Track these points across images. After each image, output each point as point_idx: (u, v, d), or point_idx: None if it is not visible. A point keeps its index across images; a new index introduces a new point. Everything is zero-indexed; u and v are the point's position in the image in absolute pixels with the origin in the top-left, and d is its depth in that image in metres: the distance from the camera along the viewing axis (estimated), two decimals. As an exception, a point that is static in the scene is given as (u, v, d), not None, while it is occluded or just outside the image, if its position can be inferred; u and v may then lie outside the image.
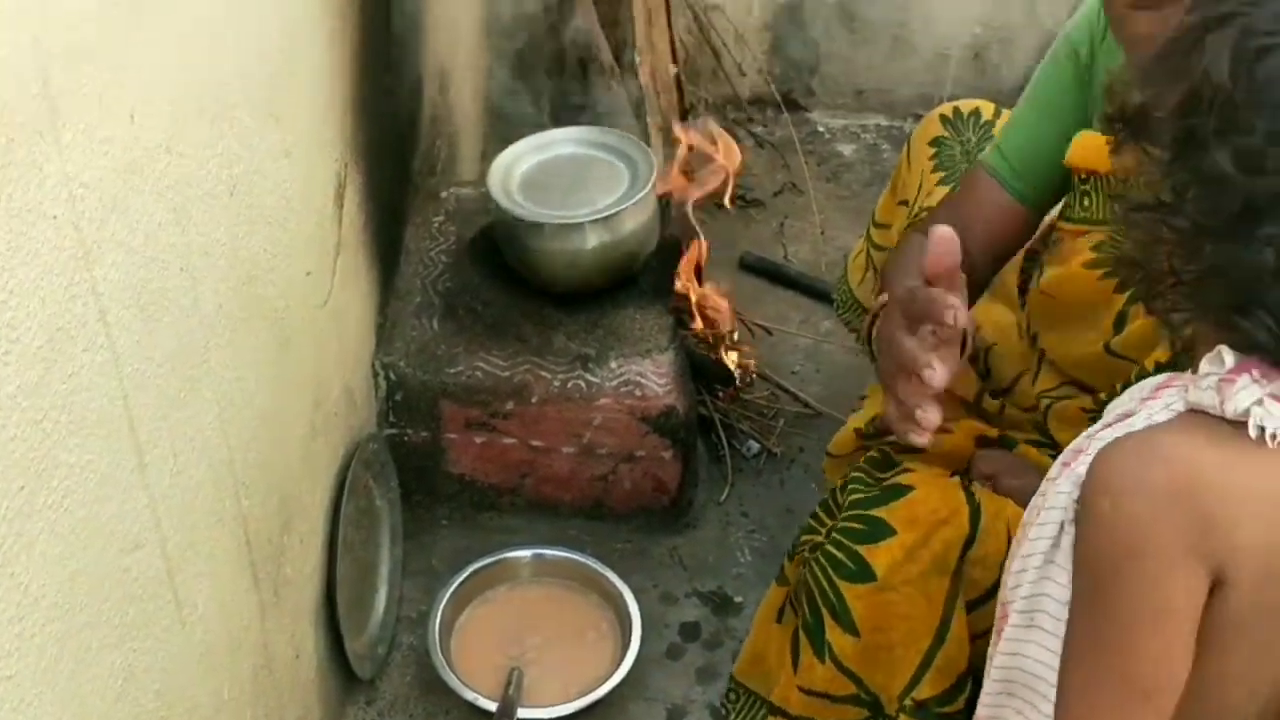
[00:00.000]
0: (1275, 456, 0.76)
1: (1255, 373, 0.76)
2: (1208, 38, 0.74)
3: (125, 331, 0.84)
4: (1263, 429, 0.75)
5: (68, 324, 0.77)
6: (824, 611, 1.11)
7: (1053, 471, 0.89)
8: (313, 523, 1.33)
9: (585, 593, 1.58)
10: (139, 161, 0.85)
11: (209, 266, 0.99)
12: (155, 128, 0.87)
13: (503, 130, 2.25)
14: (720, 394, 1.89)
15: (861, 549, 1.09)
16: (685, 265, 1.78)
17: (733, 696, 1.31)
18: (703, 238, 1.82)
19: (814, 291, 2.19)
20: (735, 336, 1.92)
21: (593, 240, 1.63)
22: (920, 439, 1.03)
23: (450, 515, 1.71)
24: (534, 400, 1.62)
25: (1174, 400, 0.80)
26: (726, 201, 1.85)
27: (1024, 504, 0.92)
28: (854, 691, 1.13)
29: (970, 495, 1.10)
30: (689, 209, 1.87)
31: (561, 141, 1.75)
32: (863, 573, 1.09)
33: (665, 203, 1.79)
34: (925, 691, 1.11)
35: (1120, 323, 1.12)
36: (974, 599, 1.10)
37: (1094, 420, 0.92)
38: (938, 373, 1.01)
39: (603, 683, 1.46)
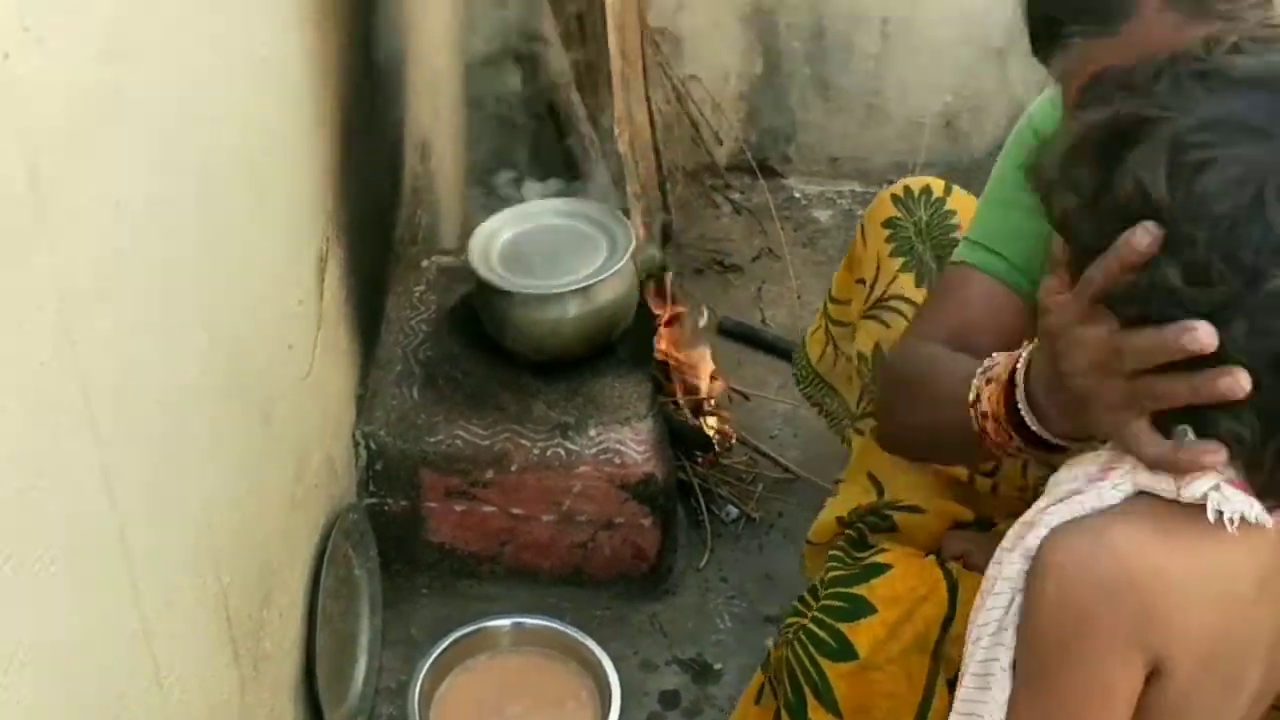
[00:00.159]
0: (1219, 542, 0.77)
1: None
2: (1134, 153, 0.75)
3: (108, 412, 0.86)
4: (1220, 513, 0.76)
5: (52, 405, 0.78)
6: (806, 691, 1.11)
7: (1007, 542, 0.90)
8: (292, 595, 1.33)
9: (565, 661, 1.58)
10: (124, 246, 0.87)
11: (191, 345, 1.00)
12: (140, 212, 0.89)
13: (483, 198, 2.29)
14: (699, 459, 1.91)
15: (843, 626, 1.09)
16: (664, 333, 1.81)
17: None
18: (682, 306, 1.85)
19: (792, 356, 2.21)
20: (713, 402, 1.94)
21: (572, 310, 1.65)
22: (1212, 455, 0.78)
23: (430, 584, 1.71)
24: (514, 468, 1.63)
25: (1122, 482, 0.81)
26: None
27: None
28: (836, 771, 1.13)
29: (948, 573, 1.11)
30: (667, 280, 1.90)
31: (540, 213, 1.78)
32: (845, 651, 1.09)
33: (645, 271, 1.81)
34: (907, 770, 1.11)
35: None
36: (953, 677, 1.11)
37: None
38: (1200, 329, 0.73)
39: (583, 753, 1.46)
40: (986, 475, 1.24)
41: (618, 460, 1.63)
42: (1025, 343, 0.95)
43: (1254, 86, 0.75)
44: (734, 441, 1.96)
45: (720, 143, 2.63)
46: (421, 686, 1.51)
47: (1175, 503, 0.78)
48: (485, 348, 1.72)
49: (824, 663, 1.10)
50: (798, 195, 2.68)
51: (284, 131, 1.24)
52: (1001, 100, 2.55)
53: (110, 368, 0.85)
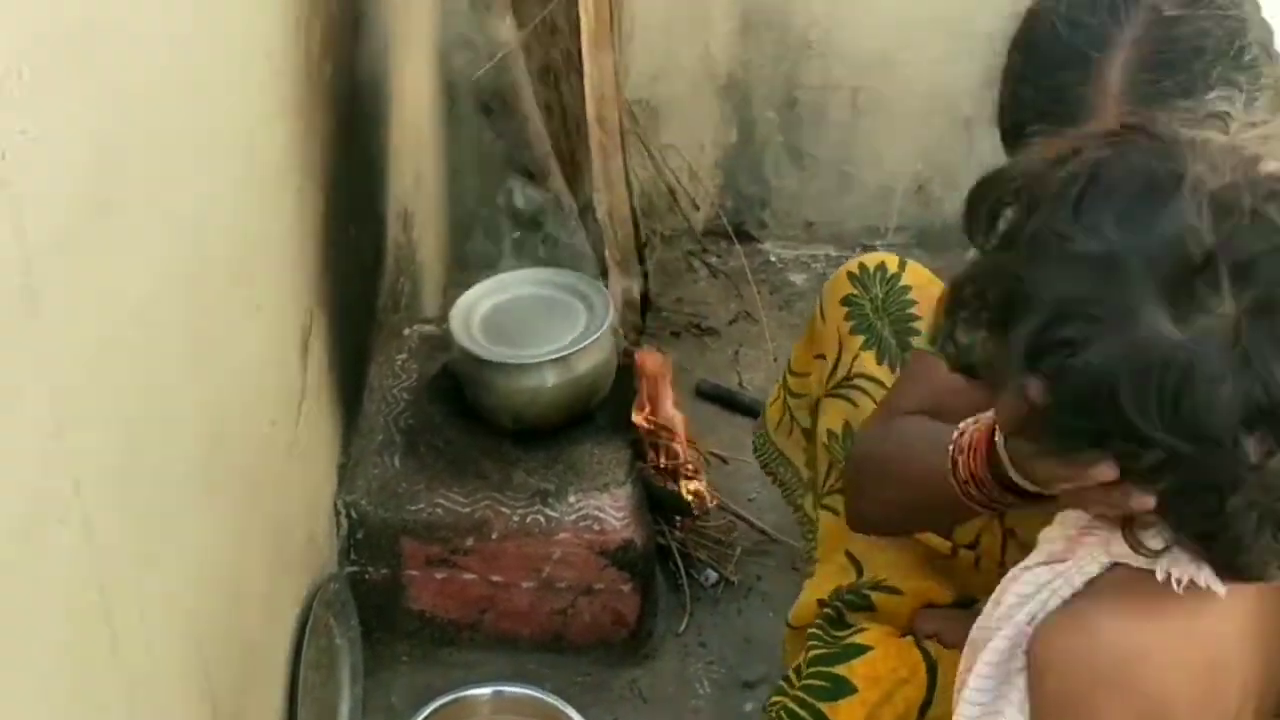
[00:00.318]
0: (1199, 606, 0.81)
1: None
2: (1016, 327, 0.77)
3: (97, 499, 0.88)
4: (1169, 574, 0.80)
5: (43, 495, 0.80)
6: None
7: (995, 594, 0.94)
8: (274, 668, 1.35)
9: (546, 728, 1.59)
10: (113, 336, 0.89)
11: (178, 429, 1.03)
12: (129, 303, 0.92)
13: (464, 265, 2.32)
14: (678, 524, 1.93)
15: (824, 706, 1.10)
16: (642, 400, 1.84)
17: None
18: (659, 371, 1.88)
19: (765, 420, 2.24)
20: (691, 467, 1.96)
21: (551, 379, 1.68)
22: None
23: (410, 652, 1.72)
24: (494, 536, 1.65)
25: (1098, 553, 0.85)
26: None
27: None
28: None
29: (926, 653, 1.13)
30: (646, 346, 1.93)
31: (520, 282, 1.81)
32: None
33: (622, 339, 1.85)
34: None
35: None
36: None
37: None
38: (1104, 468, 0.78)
39: (563, 822, 1.46)
40: (969, 548, 1.26)
41: (597, 527, 1.66)
42: None
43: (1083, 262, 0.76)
44: (712, 505, 1.98)
45: (697, 208, 2.68)
46: (402, 756, 1.51)
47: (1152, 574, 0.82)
48: (466, 415, 1.75)
49: None
50: (773, 259, 2.73)
51: (270, 217, 1.27)
52: (970, 167, 2.59)
53: (99, 457, 0.88)
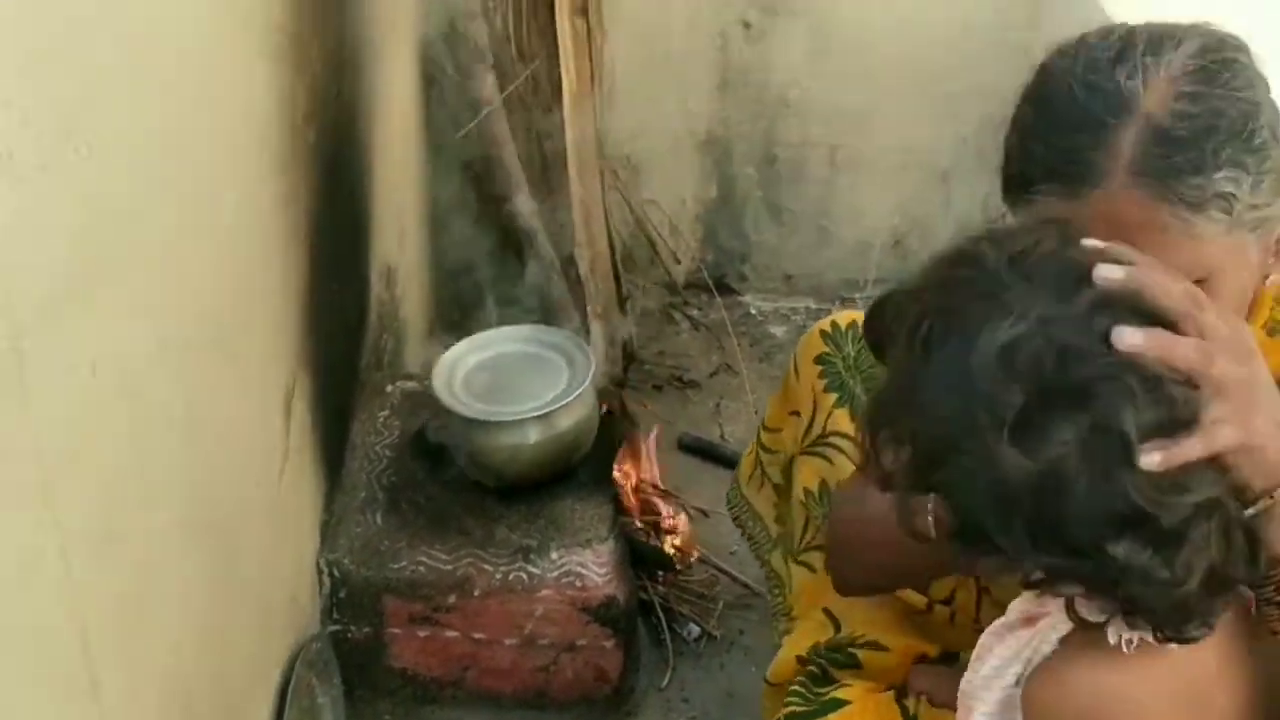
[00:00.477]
0: (1164, 652, 0.84)
1: None
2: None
3: (83, 560, 0.89)
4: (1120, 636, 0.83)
5: (29, 558, 0.81)
6: None
7: (977, 654, 0.97)
8: (256, 728, 1.35)
9: (528, 787, 1.59)
10: (100, 405, 0.91)
11: (163, 492, 1.04)
12: (115, 370, 0.94)
13: (447, 321, 2.34)
14: (660, 578, 1.94)
15: (801, 762, 1.11)
16: (623, 454, 1.85)
17: None
18: (642, 430, 1.89)
19: (749, 472, 2.25)
20: (673, 521, 1.97)
21: (533, 436, 1.70)
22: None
23: (393, 710, 1.72)
24: (476, 593, 1.65)
25: (1059, 620, 0.88)
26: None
27: None
28: None
29: (904, 709, 1.14)
30: (627, 401, 1.95)
31: (502, 339, 1.83)
32: None
33: (604, 395, 1.86)
34: None
35: None
36: None
37: None
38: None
39: None
40: (944, 604, 1.28)
41: (579, 583, 1.66)
42: None
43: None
44: (694, 559, 1.99)
45: (678, 262, 2.71)
46: (384, 816, 1.51)
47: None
48: (449, 472, 1.76)
49: None
50: (754, 312, 2.76)
51: (255, 281, 1.29)
52: (947, 221, 2.66)
53: (85, 519, 0.89)
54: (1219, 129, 0.90)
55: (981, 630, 1.14)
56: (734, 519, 1.66)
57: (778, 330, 2.71)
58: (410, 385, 1.92)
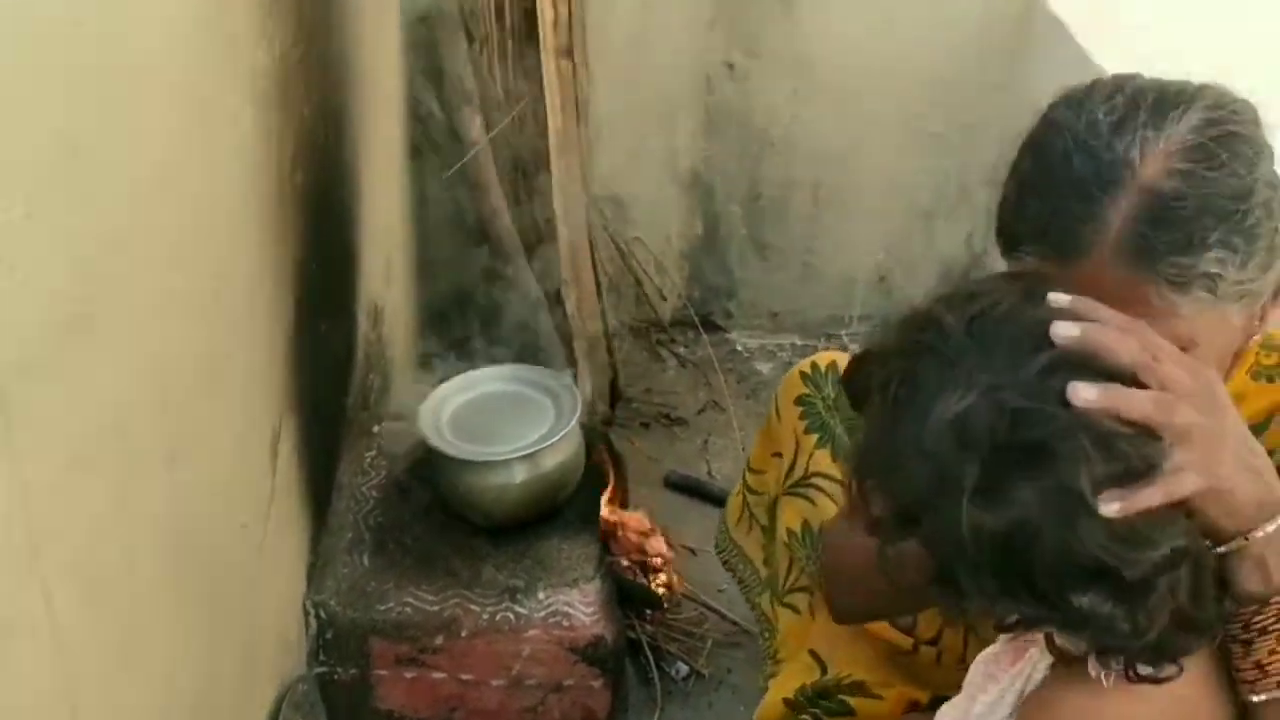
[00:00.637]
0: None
1: None
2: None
3: (69, 614, 0.89)
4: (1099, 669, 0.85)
5: (15, 615, 0.81)
6: None
7: (969, 691, 0.98)
8: (241, 774, 1.34)
9: (516, 830, 1.58)
10: (85, 454, 0.91)
11: (148, 538, 1.04)
12: (101, 417, 0.94)
13: (433, 360, 2.35)
14: (648, 616, 1.94)
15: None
16: (611, 494, 1.85)
17: None
18: (625, 468, 1.90)
19: (738, 510, 2.26)
20: (660, 560, 1.98)
21: (519, 475, 1.70)
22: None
23: (380, 752, 1.71)
24: (463, 634, 1.65)
25: (1043, 658, 0.90)
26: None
27: None
28: None
29: None
30: (612, 438, 1.95)
31: (488, 379, 1.84)
32: None
33: (589, 433, 1.87)
34: None
35: None
36: None
37: None
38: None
39: None
40: (930, 644, 1.28)
41: (567, 623, 1.66)
42: None
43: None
44: (682, 597, 1.99)
45: (664, 299, 2.73)
46: None
47: None
48: (435, 512, 1.75)
49: None
50: (740, 349, 2.77)
51: (242, 323, 1.29)
52: (931, 257, 2.68)
53: (71, 569, 0.89)
54: (1210, 211, 0.89)
55: (967, 671, 1.15)
56: (723, 563, 1.66)
57: (764, 367, 2.72)
58: (397, 425, 1.92)
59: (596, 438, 1.91)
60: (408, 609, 1.65)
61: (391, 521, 1.76)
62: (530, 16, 2.22)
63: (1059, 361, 0.81)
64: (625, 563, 1.91)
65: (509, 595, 1.67)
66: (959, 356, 0.82)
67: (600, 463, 1.92)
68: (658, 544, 2.00)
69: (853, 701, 1.23)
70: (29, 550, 0.83)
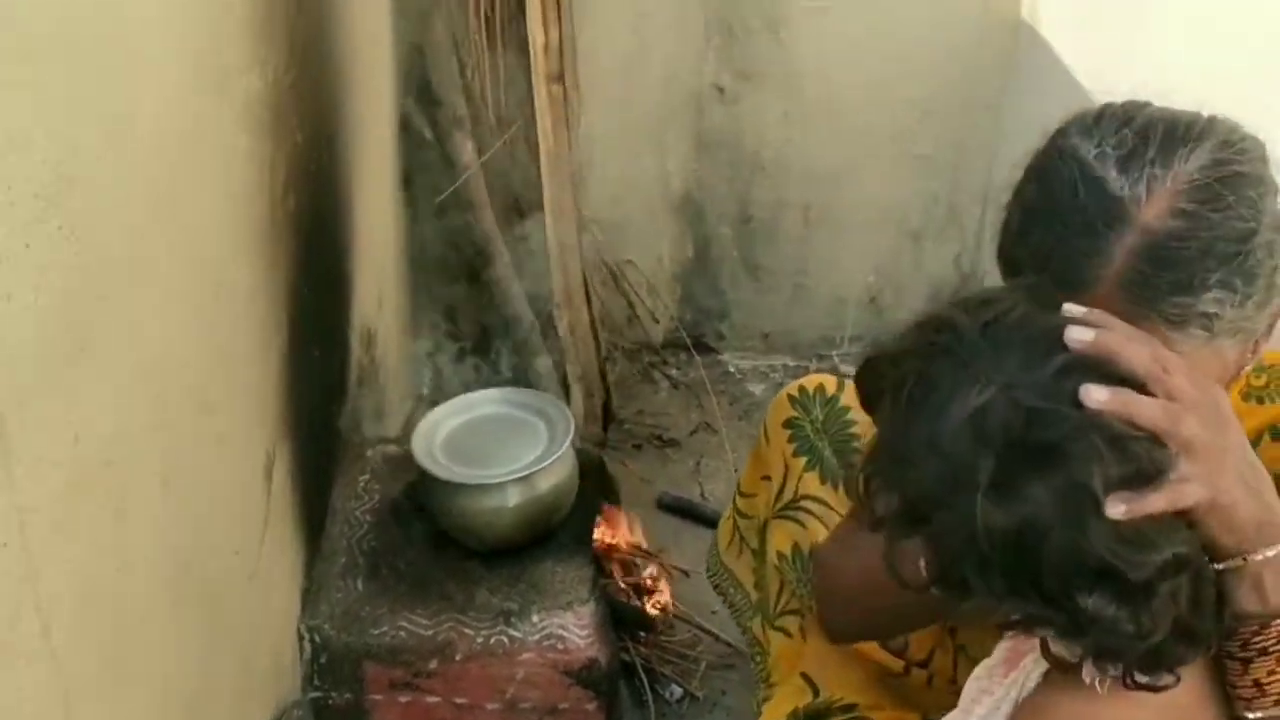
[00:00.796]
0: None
1: None
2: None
3: (66, 641, 0.89)
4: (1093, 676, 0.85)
5: (14, 641, 0.81)
6: None
7: (964, 707, 0.98)
8: (236, 800, 1.34)
9: None
10: (81, 478, 0.91)
11: (144, 563, 1.04)
12: (97, 443, 0.94)
13: (425, 382, 2.36)
14: (642, 639, 1.94)
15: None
16: (604, 517, 1.86)
17: None
18: (618, 490, 1.90)
19: (730, 531, 2.26)
20: (654, 582, 1.98)
21: (513, 498, 1.70)
22: None
23: (375, 777, 1.70)
24: (458, 658, 1.65)
25: (1037, 666, 0.90)
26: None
27: None
28: None
29: None
30: (605, 460, 1.95)
31: (481, 402, 1.84)
32: None
33: (584, 457, 1.87)
34: None
35: None
36: None
37: None
38: None
39: None
40: (920, 666, 1.28)
41: (561, 646, 1.66)
42: None
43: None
44: (675, 619, 1.99)
45: (657, 321, 2.74)
46: None
47: None
48: (429, 536, 1.76)
49: None
50: (732, 370, 2.78)
51: (235, 349, 1.30)
52: (921, 278, 2.70)
53: (68, 596, 0.89)
54: (1212, 254, 0.90)
55: (959, 693, 1.15)
56: (714, 587, 1.66)
57: (756, 388, 2.73)
58: (390, 449, 1.92)
59: (589, 460, 1.91)
60: (402, 633, 1.65)
61: (385, 545, 1.75)
62: (522, 41, 2.24)
63: (1073, 364, 0.83)
64: (619, 585, 1.91)
65: (503, 618, 1.67)
66: (973, 357, 0.84)
67: (593, 485, 1.93)
68: (650, 566, 2.00)
69: None
70: (27, 576, 0.83)
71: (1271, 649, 0.87)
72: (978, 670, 1.01)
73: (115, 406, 0.98)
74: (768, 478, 1.46)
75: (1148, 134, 0.93)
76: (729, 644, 2.00)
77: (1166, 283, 0.90)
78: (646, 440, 2.54)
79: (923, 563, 0.87)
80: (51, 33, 0.86)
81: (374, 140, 2.05)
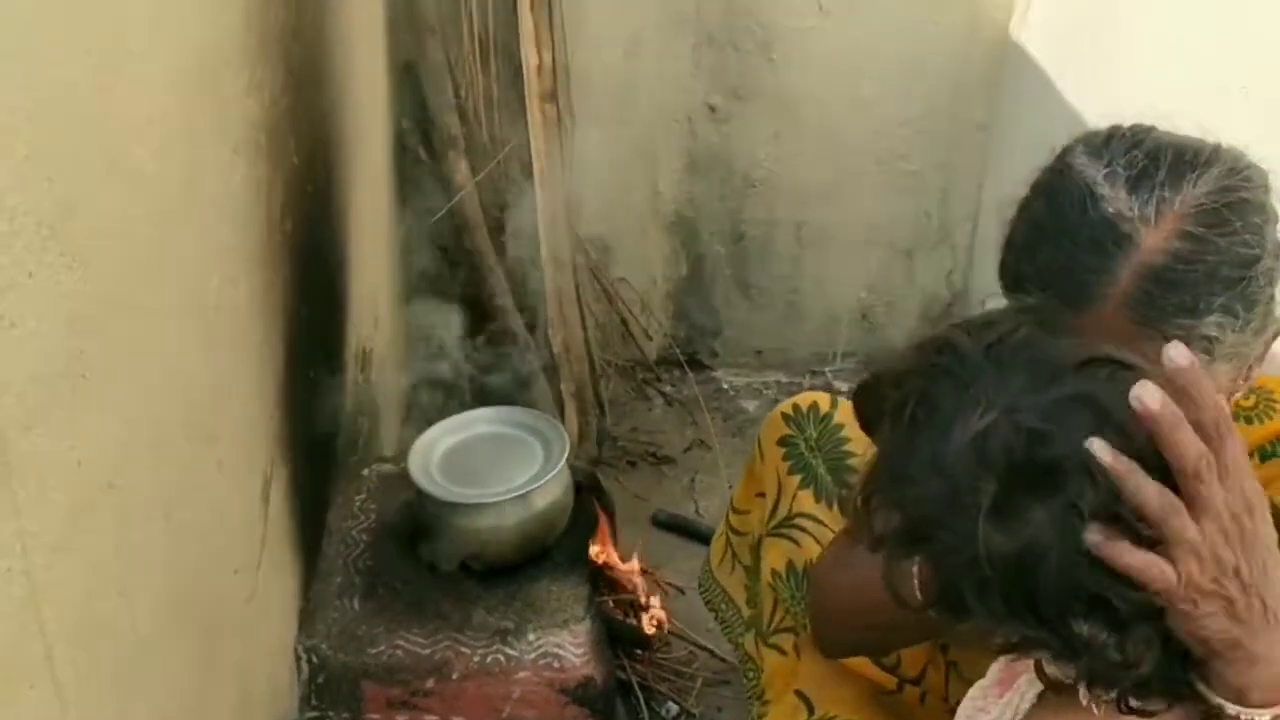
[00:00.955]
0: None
1: None
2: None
3: (68, 664, 0.90)
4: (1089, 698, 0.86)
5: (18, 666, 0.82)
6: None
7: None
8: (234, 820, 1.34)
9: None
10: (84, 503, 0.92)
11: (145, 586, 1.05)
12: (100, 468, 0.95)
13: (421, 403, 2.36)
14: (638, 656, 1.94)
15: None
16: (600, 534, 1.87)
17: None
18: (613, 508, 1.91)
19: (725, 547, 2.27)
20: (649, 600, 1.99)
21: (510, 517, 1.71)
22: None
23: (372, 797, 1.70)
24: (454, 676, 1.65)
25: (1035, 677, 0.91)
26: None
27: None
28: None
29: None
30: (600, 478, 1.96)
31: (476, 421, 1.85)
32: None
33: (578, 475, 1.88)
34: None
35: None
36: None
37: None
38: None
39: None
40: (913, 683, 1.29)
41: (557, 664, 1.67)
42: None
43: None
44: (671, 636, 2.00)
45: (650, 339, 2.75)
46: None
47: None
48: (425, 555, 1.76)
49: None
50: (726, 387, 2.79)
51: (233, 372, 1.31)
52: (913, 295, 2.71)
53: (70, 621, 0.90)
54: (1217, 278, 0.91)
55: (952, 711, 1.16)
56: (706, 602, 1.67)
57: (750, 405, 2.75)
58: (386, 468, 1.93)
59: (584, 478, 1.92)
60: (399, 652, 1.65)
61: (381, 565, 1.76)
62: (515, 62, 2.25)
63: (1082, 397, 0.82)
64: (614, 603, 1.92)
65: (499, 637, 1.68)
66: (975, 379, 0.84)
67: (588, 503, 1.94)
68: (645, 583, 2.01)
69: None
70: (31, 602, 0.84)
71: None
72: (973, 690, 1.02)
73: (117, 431, 0.99)
74: (762, 495, 1.47)
75: (1158, 156, 0.94)
76: (725, 660, 2.01)
77: (1171, 304, 0.91)
78: (641, 457, 2.55)
79: (916, 583, 0.88)
80: (51, 61, 0.87)
81: (369, 161, 2.07)
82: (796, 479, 1.41)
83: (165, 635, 1.10)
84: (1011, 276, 0.99)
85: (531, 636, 1.68)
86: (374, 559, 1.77)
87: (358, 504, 1.86)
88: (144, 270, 1.04)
